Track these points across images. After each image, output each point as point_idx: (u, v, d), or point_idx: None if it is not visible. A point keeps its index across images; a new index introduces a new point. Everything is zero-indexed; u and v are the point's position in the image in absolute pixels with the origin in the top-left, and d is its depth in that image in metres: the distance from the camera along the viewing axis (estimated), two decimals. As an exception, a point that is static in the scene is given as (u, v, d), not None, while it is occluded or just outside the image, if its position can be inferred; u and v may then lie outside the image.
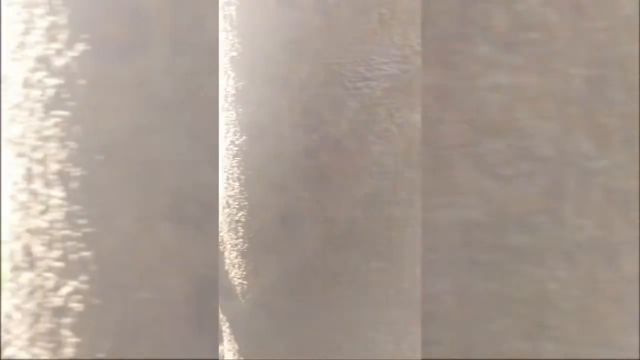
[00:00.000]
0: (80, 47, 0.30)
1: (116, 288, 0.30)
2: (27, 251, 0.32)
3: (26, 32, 0.33)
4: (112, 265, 0.30)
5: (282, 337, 0.70)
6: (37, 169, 0.32)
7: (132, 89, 0.31)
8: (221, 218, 0.79)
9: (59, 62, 0.31)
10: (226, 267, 0.77)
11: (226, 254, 0.78)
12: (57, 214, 0.31)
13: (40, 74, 0.32)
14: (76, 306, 0.29)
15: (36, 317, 0.32)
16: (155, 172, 0.32)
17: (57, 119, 0.31)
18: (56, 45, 0.31)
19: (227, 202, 0.74)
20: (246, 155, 0.68)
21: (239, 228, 0.72)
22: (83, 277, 0.30)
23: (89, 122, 0.29)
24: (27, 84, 0.34)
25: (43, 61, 0.31)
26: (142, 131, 0.32)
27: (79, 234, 0.30)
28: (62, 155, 0.31)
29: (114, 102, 0.31)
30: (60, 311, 0.30)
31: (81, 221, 0.30)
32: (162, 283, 0.32)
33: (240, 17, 0.63)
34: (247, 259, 0.71)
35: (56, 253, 0.30)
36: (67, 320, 0.30)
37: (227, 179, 0.73)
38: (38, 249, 0.31)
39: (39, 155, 0.32)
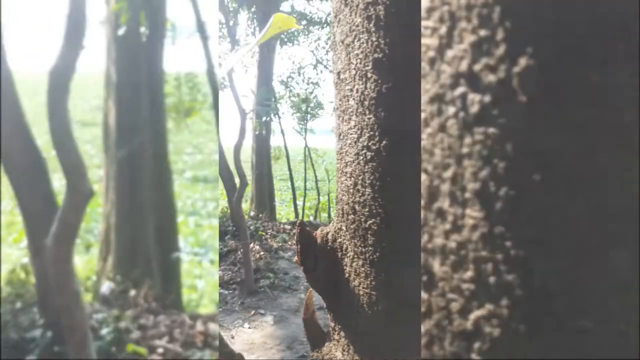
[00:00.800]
0: (523, 61, 0.28)
1: (550, 317, 0.28)
2: (426, 271, 0.31)
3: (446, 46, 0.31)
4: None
5: (414, 353, 0.67)
6: (445, 187, 0.30)
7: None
8: (341, 224, 0.76)
9: (490, 78, 0.29)
10: (347, 275, 0.75)
11: (347, 260, 0.75)
12: (470, 235, 0.29)
13: (460, 90, 0.31)
14: (491, 331, 0.27)
15: (436, 339, 0.30)
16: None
17: (480, 137, 0.30)
18: (488, 61, 0.29)
19: (354, 209, 0.71)
20: (385, 161, 0.65)
21: (369, 236, 0.69)
22: (504, 302, 0.28)
23: (521, 141, 0.27)
24: (436, 101, 0.32)
25: (464, 77, 0.30)
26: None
27: (499, 257, 0.28)
28: (483, 174, 0.29)
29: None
30: (469, 335, 0.28)
31: (507, 243, 0.28)
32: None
33: (388, 18, 0.61)
34: (377, 269, 0.69)
35: (467, 274, 0.28)
36: (477, 345, 0.28)
37: (355, 184, 0.71)
38: (440, 270, 0.30)
39: (448, 173, 0.31)
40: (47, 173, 2.29)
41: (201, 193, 5.85)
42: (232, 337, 3.82)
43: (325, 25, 7.89)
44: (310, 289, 1.05)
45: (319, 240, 0.83)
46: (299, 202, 8.11)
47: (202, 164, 6.40)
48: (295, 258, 0.86)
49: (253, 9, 7.38)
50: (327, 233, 0.82)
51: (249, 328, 4.05)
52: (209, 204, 5.49)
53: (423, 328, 0.30)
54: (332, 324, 0.82)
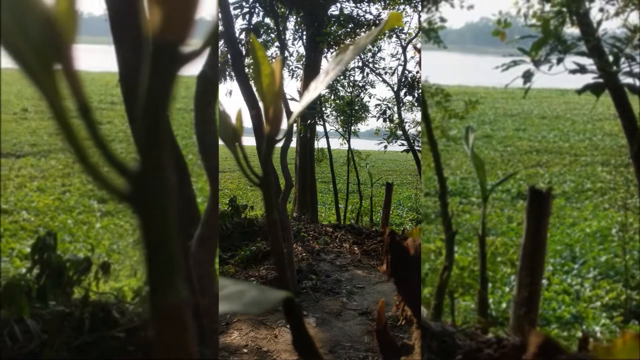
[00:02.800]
0: None
1: None
2: None
3: None
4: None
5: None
6: None
7: None
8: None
9: None
10: (449, 292, 0.70)
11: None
12: None
13: None
14: None
15: None
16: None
17: None
18: None
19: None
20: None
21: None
22: None
23: None
24: None
25: None
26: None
27: None
28: None
29: None
30: None
31: None
32: None
33: None
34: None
35: None
36: None
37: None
38: None
39: None
40: (189, 176, 2.35)
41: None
42: (275, 337, 3.85)
43: (372, 27, 7.84)
44: (383, 299, 1.02)
45: (412, 252, 0.79)
46: (341, 205, 8.08)
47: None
48: (383, 267, 0.83)
49: (301, 14, 7.47)
50: (420, 244, 0.78)
51: (292, 329, 4.07)
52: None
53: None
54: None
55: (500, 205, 4.62)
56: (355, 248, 5.79)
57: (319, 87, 0.60)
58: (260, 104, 0.57)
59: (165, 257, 0.18)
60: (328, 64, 0.61)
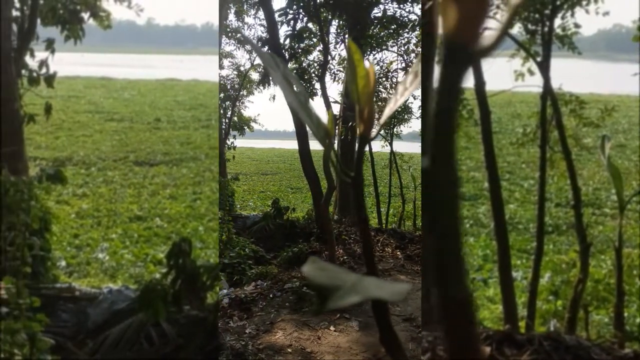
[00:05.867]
0: None
1: None
2: None
3: None
4: None
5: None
6: None
7: None
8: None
9: None
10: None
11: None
12: None
13: None
14: None
15: None
16: None
17: None
18: None
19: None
20: None
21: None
22: None
23: None
24: None
25: None
26: None
27: None
28: None
29: None
30: None
31: None
32: None
33: None
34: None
35: None
36: None
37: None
38: None
39: None
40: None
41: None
42: (319, 338, 3.86)
43: (416, 27, 7.68)
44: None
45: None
46: (382, 209, 7.97)
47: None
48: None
49: (344, 17, 7.48)
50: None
51: (335, 331, 4.07)
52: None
53: None
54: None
55: (635, 217, 4.34)
56: (398, 253, 5.69)
57: (409, 88, 0.60)
58: (356, 105, 0.58)
59: (455, 251, 0.17)
60: (414, 65, 0.61)
